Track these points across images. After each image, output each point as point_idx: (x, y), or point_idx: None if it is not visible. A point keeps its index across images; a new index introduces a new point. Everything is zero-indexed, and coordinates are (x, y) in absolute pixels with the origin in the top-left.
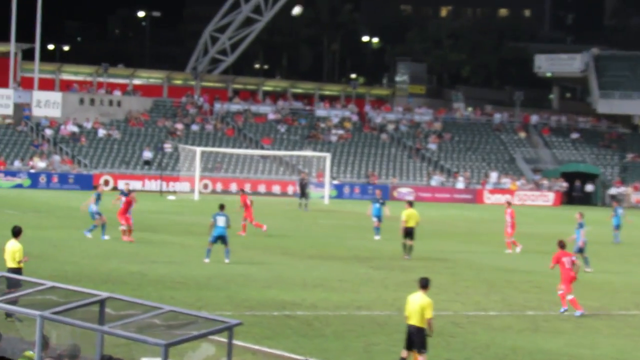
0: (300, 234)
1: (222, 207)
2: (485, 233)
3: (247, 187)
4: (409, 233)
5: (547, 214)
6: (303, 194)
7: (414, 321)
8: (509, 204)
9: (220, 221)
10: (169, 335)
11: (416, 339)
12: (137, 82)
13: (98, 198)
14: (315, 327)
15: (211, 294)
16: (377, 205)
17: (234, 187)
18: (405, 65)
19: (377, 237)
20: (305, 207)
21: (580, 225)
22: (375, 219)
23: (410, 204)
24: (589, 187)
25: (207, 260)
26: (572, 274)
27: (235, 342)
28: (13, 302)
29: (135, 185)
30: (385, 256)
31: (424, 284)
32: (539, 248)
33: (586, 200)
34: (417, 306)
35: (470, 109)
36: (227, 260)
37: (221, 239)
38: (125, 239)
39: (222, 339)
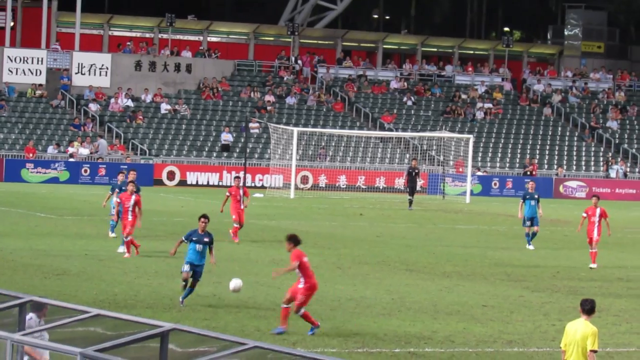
0: (431, 244)
1: None
2: None
3: (361, 180)
4: None
5: None
6: (412, 188)
7: (573, 356)
8: (597, 198)
9: None
10: None
11: None
12: (213, 39)
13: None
14: None
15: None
16: (532, 202)
17: (343, 180)
18: (577, 14)
19: (530, 247)
20: (409, 205)
21: None
22: (528, 222)
23: None
24: None
25: None
26: None
27: None
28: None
29: (211, 179)
30: (546, 274)
31: (589, 308)
32: None
33: None
34: (579, 336)
35: None
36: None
37: None
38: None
39: None
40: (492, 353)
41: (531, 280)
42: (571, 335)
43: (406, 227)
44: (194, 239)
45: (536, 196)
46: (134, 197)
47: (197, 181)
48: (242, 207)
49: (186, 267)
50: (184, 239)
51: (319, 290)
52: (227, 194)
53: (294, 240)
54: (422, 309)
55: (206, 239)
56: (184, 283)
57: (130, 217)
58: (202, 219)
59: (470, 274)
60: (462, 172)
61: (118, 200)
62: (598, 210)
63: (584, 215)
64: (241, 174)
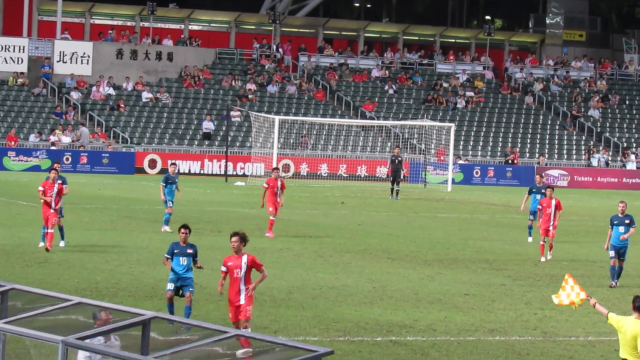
0: (412, 233)
1: None
2: None
3: (343, 169)
4: None
5: None
6: (396, 177)
7: (623, 353)
8: (551, 189)
9: None
10: None
11: None
12: (194, 27)
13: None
14: (430, 356)
15: (292, 313)
16: (539, 196)
17: (324, 168)
18: (558, 3)
19: (530, 239)
20: (396, 195)
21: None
22: (531, 216)
23: None
24: None
25: None
26: None
27: None
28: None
29: (193, 167)
30: (528, 261)
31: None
32: None
33: None
34: (629, 335)
35: None
36: None
37: None
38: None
39: None
40: (474, 342)
41: (513, 268)
42: (622, 332)
43: (388, 215)
44: (176, 251)
45: (543, 190)
46: (56, 185)
47: (178, 169)
48: (278, 199)
49: (170, 286)
50: (167, 255)
51: (301, 278)
52: (265, 185)
53: (246, 239)
54: (404, 297)
55: (190, 251)
56: (168, 304)
57: (54, 207)
58: (182, 230)
59: (452, 262)
60: (443, 161)
61: (41, 188)
62: (553, 202)
63: (539, 207)
64: (280, 165)
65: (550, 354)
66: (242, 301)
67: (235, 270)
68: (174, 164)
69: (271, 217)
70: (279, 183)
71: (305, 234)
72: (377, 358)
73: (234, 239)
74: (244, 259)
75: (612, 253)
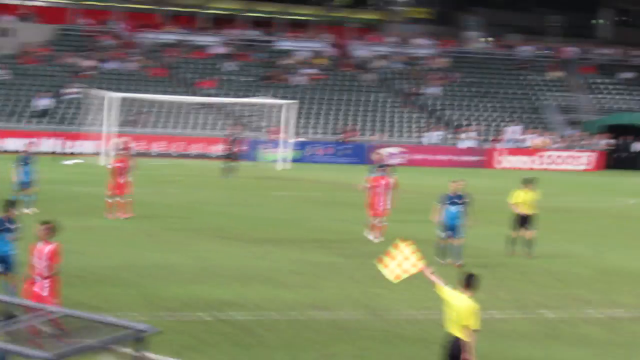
0: (244, 211)
1: None
2: (493, 209)
3: (180, 147)
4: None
5: (584, 182)
6: (232, 155)
7: (451, 329)
8: (389, 168)
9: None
10: (58, 346)
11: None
12: (35, 3)
13: None
14: (258, 334)
15: (118, 291)
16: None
17: (161, 146)
18: None
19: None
20: (231, 173)
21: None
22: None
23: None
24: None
25: None
26: None
27: (149, 354)
28: None
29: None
30: (358, 239)
31: (468, 283)
32: (564, 227)
33: (635, 162)
34: (456, 311)
35: (489, 39)
36: None
37: None
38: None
39: (130, 350)
40: (303, 320)
41: (344, 247)
42: (450, 308)
43: (221, 194)
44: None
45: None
46: None
47: (14, 147)
48: (124, 180)
49: None
50: None
51: (129, 257)
52: (112, 165)
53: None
54: (233, 275)
55: (11, 226)
56: None
57: None
58: (9, 207)
59: (283, 240)
60: (281, 138)
61: None
62: (388, 180)
63: (369, 185)
64: (117, 144)
65: (375, 330)
66: (44, 293)
67: (38, 260)
68: (32, 142)
69: (118, 199)
70: (127, 163)
71: (136, 212)
72: (204, 336)
73: (40, 227)
74: (47, 248)
75: (445, 232)
